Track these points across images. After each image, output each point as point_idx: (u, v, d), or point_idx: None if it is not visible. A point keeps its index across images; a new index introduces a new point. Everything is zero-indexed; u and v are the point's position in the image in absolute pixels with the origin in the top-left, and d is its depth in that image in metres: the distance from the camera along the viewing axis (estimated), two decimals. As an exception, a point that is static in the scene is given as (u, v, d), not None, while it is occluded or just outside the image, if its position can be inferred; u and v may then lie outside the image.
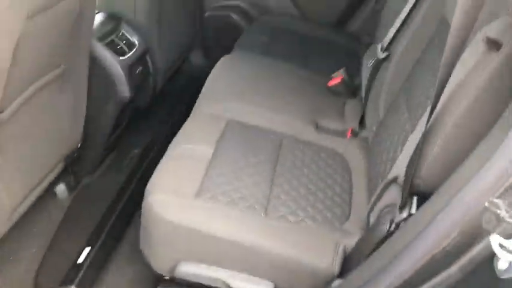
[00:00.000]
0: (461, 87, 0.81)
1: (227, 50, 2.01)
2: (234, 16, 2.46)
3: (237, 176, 1.27)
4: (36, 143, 1.44)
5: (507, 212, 0.68)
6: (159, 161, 1.33)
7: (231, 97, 1.57)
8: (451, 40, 0.73)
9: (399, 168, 1.00)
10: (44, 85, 1.37)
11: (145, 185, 1.24)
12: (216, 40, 2.54)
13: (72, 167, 1.80)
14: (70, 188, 1.80)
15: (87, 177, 1.86)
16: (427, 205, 0.81)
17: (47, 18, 1.18)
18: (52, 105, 1.48)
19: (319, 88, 1.75)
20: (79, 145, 1.71)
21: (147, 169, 1.87)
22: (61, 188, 1.78)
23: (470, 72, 0.79)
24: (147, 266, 1.22)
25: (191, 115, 1.54)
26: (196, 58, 2.60)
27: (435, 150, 0.85)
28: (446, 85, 0.79)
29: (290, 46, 2.05)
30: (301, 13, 2.41)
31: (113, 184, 1.84)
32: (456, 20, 0.72)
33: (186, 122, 1.49)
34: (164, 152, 1.32)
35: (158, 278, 1.23)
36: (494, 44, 0.74)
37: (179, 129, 1.45)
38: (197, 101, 1.60)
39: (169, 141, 1.39)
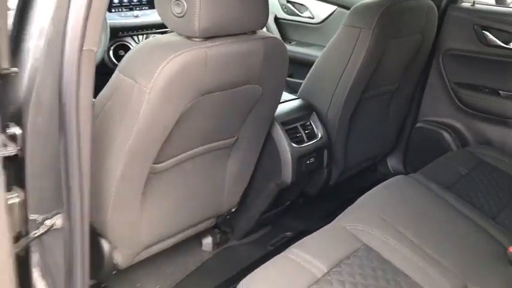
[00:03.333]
0: None
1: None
2: (446, 135, 2.27)
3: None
4: (190, 194, 1.58)
5: None
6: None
7: (378, 221, 1.43)
8: None
9: None
10: (210, 149, 1.51)
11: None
12: (418, 152, 2.38)
13: (222, 226, 1.91)
14: (215, 244, 1.91)
15: (234, 241, 1.95)
16: None
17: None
18: (215, 166, 1.61)
19: (495, 250, 1.45)
20: (233, 209, 1.81)
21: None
22: (207, 241, 1.90)
23: None
24: None
25: (332, 223, 1.46)
26: (393, 162, 2.48)
27: None
28: None
29: (487, 187, 1.76)
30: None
31: (250, 256, 1.87)
32: None
33: (321, 229, 1.42)
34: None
35: None
36: None
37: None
38: (345, 211, 1.51)
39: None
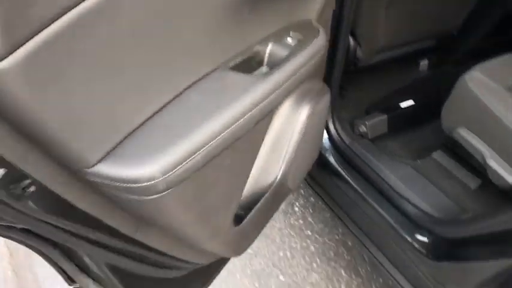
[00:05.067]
0: None
1: None
2: None
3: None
4: (421, 7, 1.81)
5: None
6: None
7: None
8: None
9: None
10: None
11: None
12: None
13: (441, 51, 2.12)
14: (431, 66, 2.15)
15: (448, 65, 2.15)
16: None
17: None
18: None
19: None
20: (455, 32, 2.00)
21: None
22: (424, 63, 2.16)
23: None
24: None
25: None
26: None
27: None
28: None
29: None
30: None
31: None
32: None
33: None
34: None
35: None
36: None
37: None
38: None
39: None
